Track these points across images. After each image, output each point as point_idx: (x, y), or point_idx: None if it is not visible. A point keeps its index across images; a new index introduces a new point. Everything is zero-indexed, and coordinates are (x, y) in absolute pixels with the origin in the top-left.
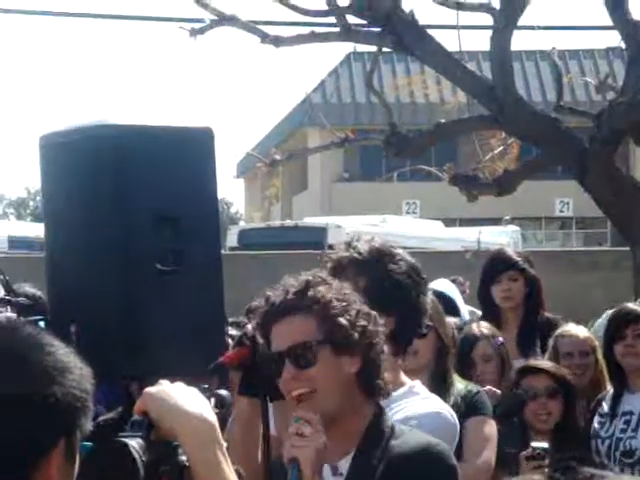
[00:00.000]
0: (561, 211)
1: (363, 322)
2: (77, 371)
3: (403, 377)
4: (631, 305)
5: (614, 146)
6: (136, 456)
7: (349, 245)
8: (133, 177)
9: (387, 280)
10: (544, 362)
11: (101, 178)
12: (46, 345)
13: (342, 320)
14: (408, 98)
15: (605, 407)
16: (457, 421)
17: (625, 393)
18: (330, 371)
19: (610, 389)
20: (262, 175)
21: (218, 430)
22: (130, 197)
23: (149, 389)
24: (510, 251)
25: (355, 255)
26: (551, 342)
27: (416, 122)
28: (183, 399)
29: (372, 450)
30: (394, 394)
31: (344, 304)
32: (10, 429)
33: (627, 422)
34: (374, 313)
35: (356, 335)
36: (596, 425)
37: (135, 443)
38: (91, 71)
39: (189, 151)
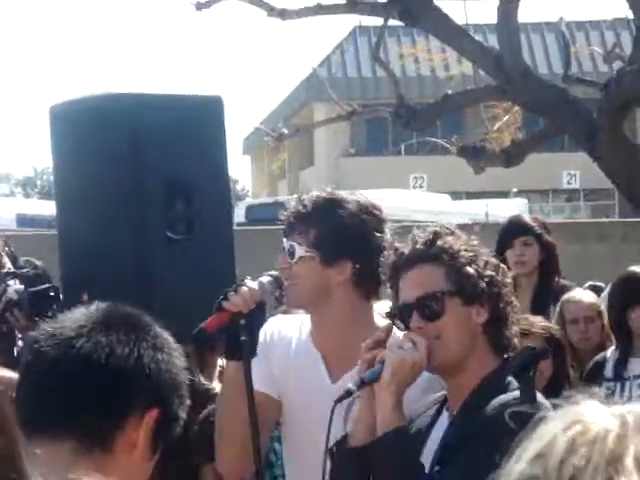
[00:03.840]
0: (568, 183)
1: (491, 272)
2: (174, 352)
3: (379, 320)
4: None
5: (622, 115)
6: None
7: (298, 200)
8: (146, 146)
9: (335, 226)
10: (534, 323)
11: (114, 147)
12: (149, 321)
13: (470, 270)
14: (414, 72)
15: (609, 372)
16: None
17: (630, 358)
18: (458, 321)
19: (605, 353)
20: (268, 151)
21: None
22: (143, 166)
23: None
24: (526, 217)
25: (300, 209)
26: (557, 308)
27: (422, 95)
28: None
29: (477, 405)
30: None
31: (472, 254)
32: (110, 385)
33: None
34: (502, 265)
35: (484, 285)
36: (606, 391)
37: None
38: (100, 44)
39: (200, 119)
